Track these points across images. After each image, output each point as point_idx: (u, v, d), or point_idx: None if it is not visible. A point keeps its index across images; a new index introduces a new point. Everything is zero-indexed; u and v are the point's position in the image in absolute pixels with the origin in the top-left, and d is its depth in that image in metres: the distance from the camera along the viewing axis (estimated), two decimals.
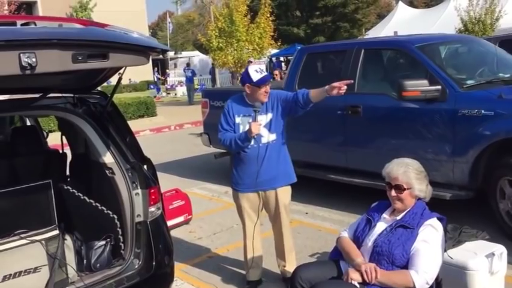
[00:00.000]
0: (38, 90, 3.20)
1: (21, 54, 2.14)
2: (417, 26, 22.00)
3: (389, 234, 2.71)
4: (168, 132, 14.11)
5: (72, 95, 3.27)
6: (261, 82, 3.54)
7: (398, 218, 2.77)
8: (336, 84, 3.35)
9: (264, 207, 3.84)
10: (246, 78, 3.60)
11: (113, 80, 3.45)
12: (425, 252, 2.58)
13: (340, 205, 5.73)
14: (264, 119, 3.60)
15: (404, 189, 2.74)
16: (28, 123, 5.12)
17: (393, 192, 2.79)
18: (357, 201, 5.69)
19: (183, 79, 25.07)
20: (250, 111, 3.63)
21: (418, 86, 4.69)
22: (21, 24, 2.41)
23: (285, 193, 3.80)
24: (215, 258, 4.65)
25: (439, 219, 2.73)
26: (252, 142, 3.59)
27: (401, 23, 25.61)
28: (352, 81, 3.31)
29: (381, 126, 5.22)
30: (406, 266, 2.62)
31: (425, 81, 4.72)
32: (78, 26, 2.61)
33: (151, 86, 29.57)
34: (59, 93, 3.26)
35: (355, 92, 5.43)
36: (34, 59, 2.17)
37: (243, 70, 4.04)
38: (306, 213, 5.68)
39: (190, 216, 5.71)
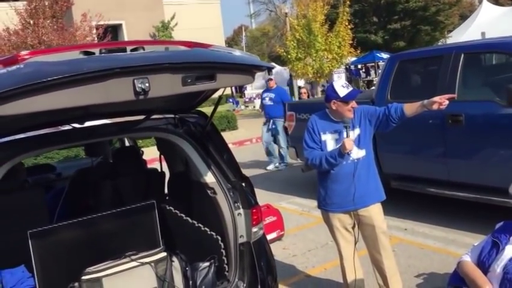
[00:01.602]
0: (142, 112, 3.25)
1: (135, 80, 2.15)
2: (504, 26, 20.71)
3: None
4: (250, 145, 14.19)
5: (173, 115, 3.29)
6: (349, 98, 3.40)
7: None
8: (436, 98, 3.19)
9: (359, 227, 3.64)
10: (332, 94, 3.46)
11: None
12: None
13: (441, 221, 5.38)
14: (351, 135, 3.44)
15: None
16: (127, 143, 5.30)
17: None
18: (460, 216, 5.34)
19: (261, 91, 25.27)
20: (336, 127, 3.49)
21: None
22: (131, 50, 2.43)
23: (378, 211, 3.59)
24: (313, 278, 4.50)
25: None
26: (345, 159, 3.44)
27: (486, 22, 24.24)
28: (456, 96, 3.10)
29: (486, 135, 4.84)
30: None
31: None
32: (183, 48, 2.60)
33: (230, 100, 30.12)
34: (161, 115, 3.29)
35: (455, 99, 5.09)
36: (147, 84, 2.17)
37: (327, 83, 3.89)
38: (405, 229, 5.38)
39: (282, 233, 5.61)
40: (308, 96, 9.25)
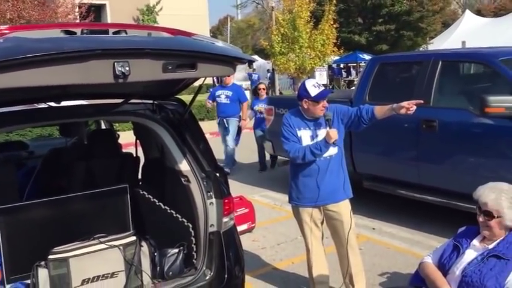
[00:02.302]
0: (120, 96, 3.24)
1: (115, 63, 2.15)
2: (485, 36, 21.13)
3: (481, 264, 2.53)
4: None
5: (151, 101, 3.29)
6: (319, 97, 3.47)
7: (491, 246, 2.58)
8: (404, 103, 3.28)
9: (327, 223, 3.74)
10: (303, 93, 3.53)
11: None
12: None
13: (409, 222, 5.50)
14: (323, 133, 3.52)
15: (494, 216, 2.56)
16: (103, 126, 5.26)
17: (481, 218, 2.62)
18: (428, 220, 5.47)
19: (244, 83, 25.19)
20: (309, 124, 3.59)
21: (503, 102, 4.44)
22: (113, 33, 2.43)
23: (346, 207, 3.69)
24: (280, 271, 4.56)
25: None
26: (331, 150, 3.51)
27: (468, 32, 24.66)
28: (422, 101, 3.21)
29: (458, 142, 4.96)
30: None
31: (511, 98, 4.45)
32: (166, 34, 2.60)
33: (211, 90, 29.96)
34: (139, 100, 3.29)
35: (430, 105, 5.21)
36: (127, 68, 2.17)
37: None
38: (373, 228, 5.49)
39: (253, 225, 5.66)
40: (267, 93, 8.87)
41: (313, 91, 3.47)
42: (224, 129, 8.74)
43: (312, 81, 3.59)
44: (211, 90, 10.19)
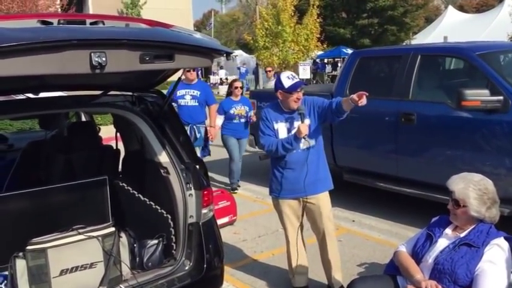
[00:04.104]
0: (99, 88, 3.24)
1: (92, 54, 2.15)
2: (467, 32, 21.44)
3: (452, 252, 2.60)
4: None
5: (131, 93, 3.29)
6: (293, 88, 3.52)
7: (462, 235, 2.65)
8: (354, 96, 3.26)
9: (306, 215, 3.79)
10: (278, 84, 3.59)
11: None
12: (491, 273, 2.45)
13: (388, 215, 5.59)
14: (305, 122, 3.56)
15: (460, 205, 2.63)
16: (83, 118, 5.23)
17: (450, 206, 2.70)
18: (407, 211, 5.55)
19: (229, 77, 25.11)
20: (286, 117, 3.64)
21: (478, 96, 4.53)
22: (91, 23, 2.43)
23: (326, 199, 3.76)
24: (260, 262, 4.61)
25: (506, 238, 2.60)
26: (302, 144, 3.56)
27: (450, 27, 25.00)
28: (367, 94, 3.22)
29: (436, 135, 5.05)
30: (468, 286, 2.51)
31: (487, 91, 4.55)
32: (143, 26, 2.61)
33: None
34: (118, 91, 3.29)
35: (409, 99, 5.30)
36: (104, 59, 2.18)
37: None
38: (353, 220, 5.57)
39: (235, 218, 5.70)
40: (242, 93, 7.07)
41: (287, 82, 3.51)
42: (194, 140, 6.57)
43: (287, 73, 3.64)
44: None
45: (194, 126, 6.63)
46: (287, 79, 3.53)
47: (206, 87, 7.16)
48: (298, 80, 3.58)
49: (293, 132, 3.55)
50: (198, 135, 6.66)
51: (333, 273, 3.84)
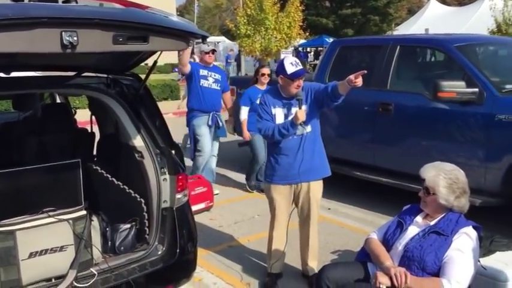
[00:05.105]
0: (72, 69, 3.18)
1: (63, 33, 2.11)
2: (449, 24, 21.61)
3: (422, 239, 2.64)
4: None
5: (106, 75, 3.24)
6: (295, 76, 3.50)
7: (432, 223, 2.69)
8: (351, 76, 3.24)
9: (295, 200, 3.80)
10: (280, 69, 3.57)
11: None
12: (459, 261, 2.50)
13: (364, 203, 5.66)
14: (303, 108, 3.54)
15: (430, 193, 2.67)
16: (58, 100, 5.14)
17: (420, 193, 2.74)
18: (382, 200, 5.62)
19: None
20: (285, 102, 3.62)
21: (454, 87, 4.58)
22: (63, 1, 2.38)
23: (317, 187, 3.77)
24: (236, 248, 4.62)
25: (474, 227, 2.64)
26: (299, 131, 3.55)
27: (432, 20, 25.18)
28: (366, 71, 3.23)
29: (412, 126, 5.11)
30: (436, 274, 2.55)
31: (463, 83, 4.60)
32: (118, 6, 2.57)
33: (176, 69, 29.58)
34: (93, 73, 3.23)
35: (387, 89, 5.33)
36: (75, 38, 2.13)
37: (275, 62, 3.93)
38: (329, 208, 5.61)
39: (211, 204, 5.69)
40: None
41: (290, 69, 3.49)
42: (208, 130, 5.89)
43: (291, 59, 3.61)
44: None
45: (215, 115, 5.96)
46: (290, 65, 3.50)
47: (223, 72, 6.58)
48: (301, 67, 3.55)
49: (290, 118, 3.54)
50: (220, 124, 6.05)
51: (309, 260, 3.88)
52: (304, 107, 3.53)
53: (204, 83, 5.91)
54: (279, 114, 3.63)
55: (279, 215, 3.79)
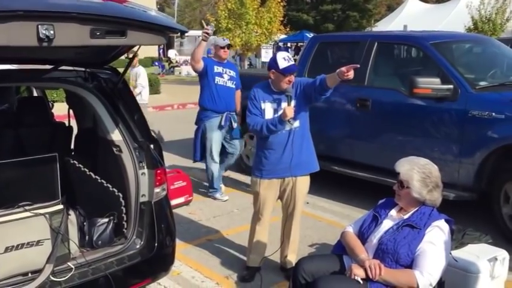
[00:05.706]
0: (50, 62, 3.15)
1: (39, 26, 2.09)
2: (426, 21, 21.90)
3: (396, 232, 2.70)
4: (171, 111, 14.05)
5: (83, 69, 3.22)
6: (287, 71, 3.51)
7: (406, 217, 2.76)
8: (343, 68, 3.27)
9: (281, 195, 3.82)
10: (272, 64, 3.58)
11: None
12: (431, 253, 2.57)
13: (342, 198, 5.74)
14: (292, 104, 3.55)
15: (404, 186, 2.73)
16: (35, 93, 5.08)
17: (395, 186, 2.80)
18: (360, 195, 5.70)
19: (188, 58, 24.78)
20: (275, 97, 3.64)
21: (429, 84, 4.66)
22: None
23: (304, 182, 3.79)
24: (214, 242, 4.64)
25: (446, 221, 2.71)
26: (287, 126, 3.56)
27: (411, 17, 25.46)
28: (358, 66, 3.26)
29: (388, 121, 5.19)
30: (410, 266, 2.62)
31: (438, 80, 4.69)
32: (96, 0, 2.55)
33: (156, 63, 29.36)
34: (71, 67, 3.21)
35: (365, 85, 5.40)
36: (52, 32, 2.12)
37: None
38: (307, 202, 5.65)
39: (190, 198, 5.70)
40: None
41: (282, 63, 3.49)
42: (221, 131, 5.65)
43: (283, 54, 3.61)
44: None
45: (229, 115, 5.63)
46: (283, 60, 3.50)
47: (236, 69, 6.07)
48: (293, 63, 3.56)
49: (279, 113, 3.55)
50: (234, 125, 5.71)
51: (289, 253, 3.91)
52: (293, 103, 3.54)
53: (219, 80, 5.58)
54: (268, 109, 3.64)
55: (264, 209, 3.81)
